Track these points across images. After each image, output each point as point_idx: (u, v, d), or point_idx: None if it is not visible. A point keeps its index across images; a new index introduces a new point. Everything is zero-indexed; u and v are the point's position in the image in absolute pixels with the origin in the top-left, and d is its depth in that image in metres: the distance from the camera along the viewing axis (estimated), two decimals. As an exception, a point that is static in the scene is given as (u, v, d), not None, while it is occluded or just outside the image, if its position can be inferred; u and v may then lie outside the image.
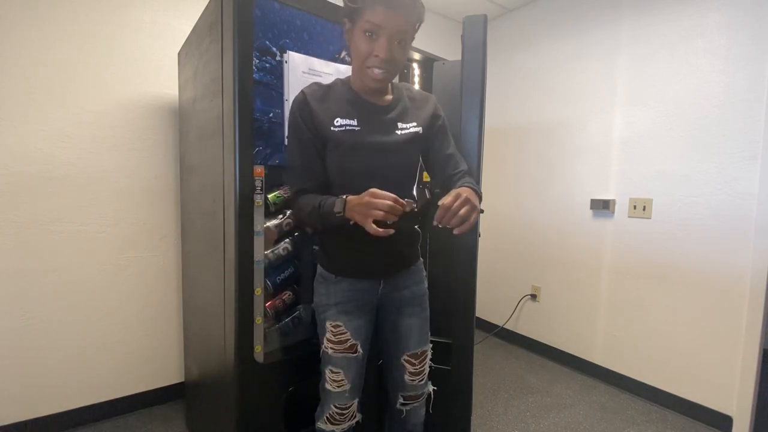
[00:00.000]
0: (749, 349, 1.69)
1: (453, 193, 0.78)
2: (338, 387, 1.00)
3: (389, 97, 0.99)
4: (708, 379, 1.81)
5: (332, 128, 0.91)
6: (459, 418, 1.35)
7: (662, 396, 1.96)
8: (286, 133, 0.95)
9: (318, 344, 1.07)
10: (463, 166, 1.05)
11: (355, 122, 0.93)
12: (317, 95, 0.94)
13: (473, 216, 0.76)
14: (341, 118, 0.92)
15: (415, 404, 1.12)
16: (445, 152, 1.04)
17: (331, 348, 0.99)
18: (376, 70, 0.87)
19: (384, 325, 1.09)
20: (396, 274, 1.04)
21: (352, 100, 0.95)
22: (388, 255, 1.01)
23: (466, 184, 0.93)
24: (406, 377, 1.08)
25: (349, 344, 0.99)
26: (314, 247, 1.20)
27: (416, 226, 1.07)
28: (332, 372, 1.00)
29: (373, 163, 0.93)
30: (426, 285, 1.12)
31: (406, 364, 1.07)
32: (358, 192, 0.83)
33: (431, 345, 1.13)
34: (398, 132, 0.96)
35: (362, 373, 1.05)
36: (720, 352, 1.77)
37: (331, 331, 0.99)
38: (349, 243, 0.98)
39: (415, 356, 1.07)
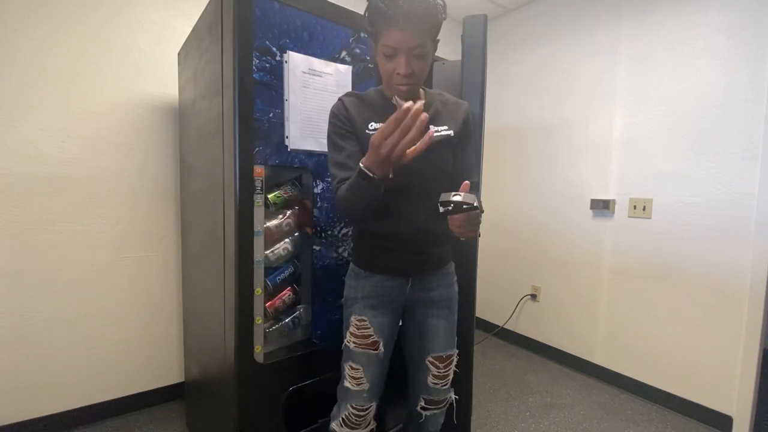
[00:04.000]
0: (749, 349, 1.69)
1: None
2: (357, 385, 1.00)
3: (421, 101, 1.00)
4: (708, 379, 1.81)
5: (367, 131, 0.96)
6: (459, 418, 1.35)
7: (662, 396, 1.96)
8: (328, 134, 1.01)
9: (318, 344, 1.07)
10: (476, 178, 1.11)
11: None
12: (354, 102, 0.99)
13: (474, 233, 0.89)
14: (375, 122, 0.97)
15: (435, 411, 1.11)
16: (467, 161, 1.07)
17: (353, 342, 1.00)
18: (402, 86, 0.92)
19: (410, 326, 1.09)
20: (425, 274, 1.04)
21: (385, 105, 0.99)
22: (418, 254, 1.01)
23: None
24: (430, 380, 1.07)
25: (371, 340, 0.99)
26: (315, 247, 1.20)
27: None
28: (352, 368, 1.01)
29: (407, 165, 0.94)
30: (456, 288, 1.10)
31: (431, 366, 1.06)
32: (392, 193, 0.94)
33: (457, 351, 1.11)
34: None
35: (383, 376, 1.04)
36: (720, 352, 1.77)
37: (356, 324, 1.00)
38: (380, 241, 1.00)
39: (440, 359, 1.06)
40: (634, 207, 2.05)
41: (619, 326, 2.14)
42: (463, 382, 1.34)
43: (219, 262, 1.15)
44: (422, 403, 1.10)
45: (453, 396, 1.14)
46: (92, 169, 1.66)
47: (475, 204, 0.78)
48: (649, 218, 1.99)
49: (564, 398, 2.03)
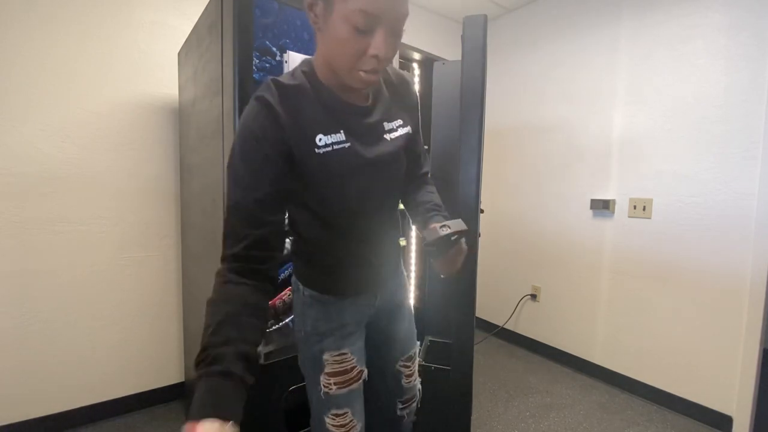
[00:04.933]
0: (749, 349, 1.69)
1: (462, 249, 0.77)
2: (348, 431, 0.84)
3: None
4: (708, 379, 1.81)
5: (317, 150, 0.69)
6: (459, 418, 1.35)
7: (662, 396, 1.96)
8: (232, 162, 0.65)
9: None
10: (427, 168, 0.97)
11: (342, 136, 0.71)
12: (285, 103, 0.67)
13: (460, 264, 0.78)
14: (324, 133, 0.69)
15: (412, 405, 1.09)
16: (417, 150, 0.91)
17: (335, 385, 0.82)
18: (371, 74, 0.65)
19: (375, 337, 0.98)
20: (388, 282, 0.95)
21: (328, 103, 0.71)
22: (384, 265, 0.92)
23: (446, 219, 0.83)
24: (403, 381, 1.04)
25: (356, 372, 0.85)
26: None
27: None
28: (337, 416, 0.82)
29: (368, 184, 0.76)
30: (407, 283, 1.07)
31: (402, 369, 1.03)
32: (353, 217, 0.77)
33: (419, 343, 1.10)
34: (387, 137, 0.77)
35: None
36: (720, 352, 1.77)
37: (334, 361, 0.83)
38: (345, 263, 0.85)
39: (409, 359, 1.04)
40: (634, 207, 2.05)
41: (619, 326, 2.14)
42: (463, 382, 1.34)
43: (219, 262, 1.15)
44: (400, 406, 1.06)
45: (419, 383, 1.11)
46: (92, 169, 1.66)
47: (465, 228, 0.66)
48: (649, 218, 1.99)
49: (564, 398, 2.03)
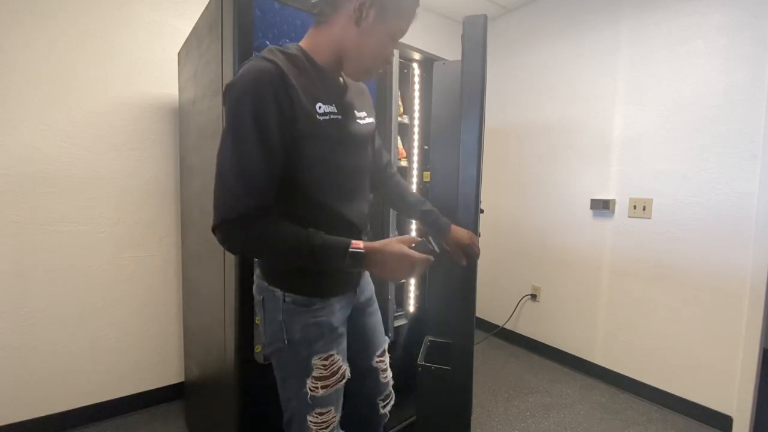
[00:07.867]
0: (749, 349, 1.69)
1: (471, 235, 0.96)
2: (327, 427, 0.84)
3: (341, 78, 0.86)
4: (708, 379, 1.81)
5: (318, 116, 0.73)
6: (459, 418, 1.35)
7: (662, 396, 1.96)
8: (239, 116, 0.66)
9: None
10: (387, 157, 1.07)
11: (334, 108, 0.77)
12: (292, 69, 0.71)
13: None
14: (323, 103, 0.75)
15: (391, 402, 1.07)
16: (378, 143, 1.02)
17: (321, 388, 0.81)
18: (379, 72, 0.84)
19: (351, 334, 0.95)
20: (363, 276, 0.98)
21: (323, 78, 0.78)
22: None
23: (446, 220, 1.09)
24: (381, 377, 1.02)
25: (341, 372, 0.85)
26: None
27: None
28: (320, 415, 0.83)
29: (355, 160, 0.84)
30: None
31: (379, 365, 1.02)
32: (337, 198, 0.80)
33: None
34: (359, 121, 0.85)
35: None
36: (720, 352, 1.77)
37: (322, 366, 0.81)
38: None
39: (383, 353, 1.03)
40: (634, 207, 2.05)
41: (619, 326, 2.14)
42: (463, 382, 1.34)
43: (219, 262, 1.15)
44: (381, 404, 1.03)
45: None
46: (92, 169, 1.66)
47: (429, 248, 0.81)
48: (649, 218, 1.99)
49: (564, 398, 2.03)
